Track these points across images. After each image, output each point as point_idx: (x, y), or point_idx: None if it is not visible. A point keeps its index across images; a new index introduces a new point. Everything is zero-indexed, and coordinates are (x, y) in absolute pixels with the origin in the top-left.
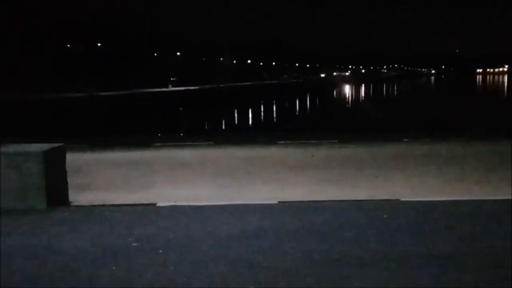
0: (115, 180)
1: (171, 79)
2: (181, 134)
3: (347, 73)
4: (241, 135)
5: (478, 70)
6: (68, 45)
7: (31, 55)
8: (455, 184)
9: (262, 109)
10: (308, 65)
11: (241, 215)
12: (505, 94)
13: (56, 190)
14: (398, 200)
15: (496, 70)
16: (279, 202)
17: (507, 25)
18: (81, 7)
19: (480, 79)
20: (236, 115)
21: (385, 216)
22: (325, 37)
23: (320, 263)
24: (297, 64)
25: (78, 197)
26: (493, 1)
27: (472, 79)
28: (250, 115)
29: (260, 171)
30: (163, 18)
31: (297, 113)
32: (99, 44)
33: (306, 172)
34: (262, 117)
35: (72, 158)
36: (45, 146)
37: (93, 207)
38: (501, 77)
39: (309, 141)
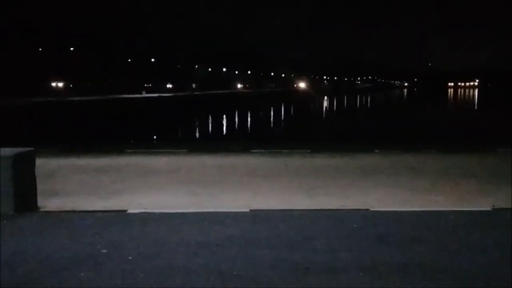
0: (85, 186)
1: (145, 85)
2: (154, 141)
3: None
4: (214, 143)
5: (449, 84)
6: (40, 49)
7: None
8: (423, 195)
9: (236, 117)
10: (283, 75)
11: (212, 223)
12: (475, 107)
13: (24, 196)
14: (368, 210)
15: (467, 84)
16: (250, 210)
17: (477, 41)
18: (53, 8)
19: (452, 92)
20: (210, 123)
21: (355, 225)
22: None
23: (290, 272)
24: (272, 74)
25: (47, 203)
26: (465, 18)
27: (444, 92)
28: (224, 123)
29: (233, 180)
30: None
31: (271, 122)
32: (71, 49)
33: (279, 181)
34: (236, 126)
35: (42, 164)
36: (15, 151)
37: (62, 213)
38: (471, 90)
39: (282, 150)
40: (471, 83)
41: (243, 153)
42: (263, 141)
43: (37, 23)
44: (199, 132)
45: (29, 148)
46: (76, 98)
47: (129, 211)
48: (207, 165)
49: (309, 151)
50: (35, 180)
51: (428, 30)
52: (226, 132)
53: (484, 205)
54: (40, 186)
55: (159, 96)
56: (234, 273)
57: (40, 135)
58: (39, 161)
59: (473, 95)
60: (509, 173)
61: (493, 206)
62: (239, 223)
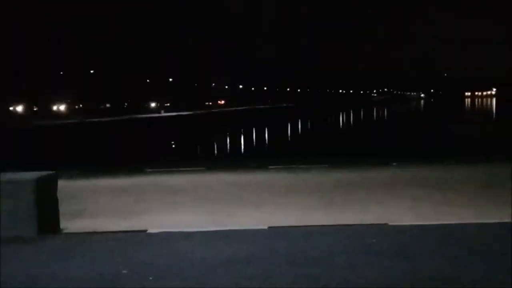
0: (106, 207)
1: (163, 104)
2: (173, 160)
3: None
4: (232, 160)
5: (466, 94)
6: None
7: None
8: (442, 208)
9: (254, 134)
10: (299, 90)
11: (231, 241)
12: (494, 118)
13: (47, 218)
14: (386, 224)
15: (484, 93)
16: (269, 227)
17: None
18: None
19: (469, 102)
20: (228, 140)
21: (374, 240)
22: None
23: None
24: (288, 89)
25: (69, 224)
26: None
27: (461, 103)
28: (242, 140)
29: (251, 196)
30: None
31: (288, 138)
32: (91, 71)
33: (297, 197)
34: (254, 142)
35: (64, 185)
36: (37, 174)
37: (83, 234)
38: (489, 99)
39: (300, 166)
40: (488, 92)
41: (260, 170)
42: (280, 156)
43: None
44: (218, 150)
45: (51, 172)
46: (94, 120)
47: (149, 230)
48: (225, 182)
49: (326, 166)
50: (57, 202)
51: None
52: (245, 149)
53: (503, 217)
54: (62, 208)
55: (178, 115)
56: None
57: (62, 157)
58: (61, 183)
59: (491, 104)
60: None
61: None
62: (258, 240)
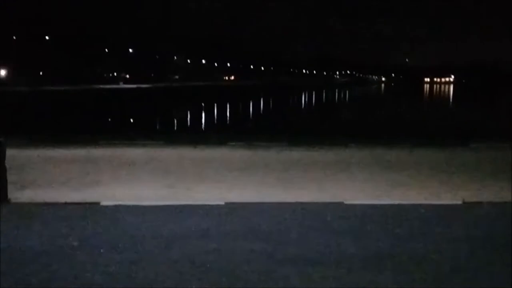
0: (58, 178)
1: (122, 76)
2: (130, 133)
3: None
4: (192, 135)
5: (426, 79)
6: (14, 37)
7: None
8: (397, 189)
9: (215, 109)
10: (262, 68)
11: (187, 215)
12: (450, 103)
13: None
14: (342, 203)
15: (443, 79)
16: (226, 203)
17: (454, 37)
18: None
19: (428, 88)
20: (188, 115)
21: (329, 218)
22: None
23: (263, 263)
24: (251, 66)
25: (18, 194)
26: (437, 14)
27: (420, 88)
28: (203, 115)
29: (209, 172)
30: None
31: (249, 115)
32: (46, 38)
33: (255, 173)
34: (214, 118)
35: (13, 155)
36: None
37: (33, 205)
38: (446, 86)
39: (260, 143)
40: (447, 79)
41: (220, 145)
42: (240, 133)
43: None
44: (177, 124)
45: None
46: (49, 88)
47: (102, 203)
48: (183, 157)
49: (286, 144)
50: (5, 171)
51: (406, 25)
52: (204, 124)
53: (454, 198)
54: (11, 178)
55: (137, 87)
56: (208, 265)
57: (12, 126)
58: (10, 152)
59: (448, 91)
60: (480, 169)
61: (464, 200)
62: (214, 215)
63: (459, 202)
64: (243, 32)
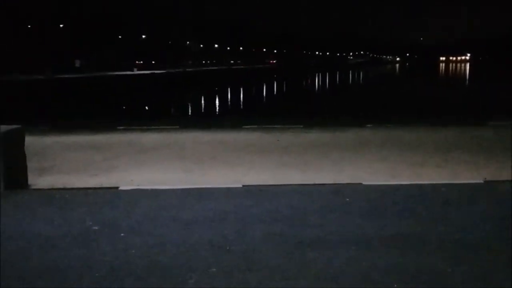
0: (77, 163)
1: (136, 62)
2: (146, 118)
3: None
4: (207, 119)
5: (441, 58)
6: (29, 26)
7: None
8: (415, 169)
9: (228, 93)
10: (275, 51)
11: (205, 198)
12: (466, 82)
13: (14, 173)
14: (360, 183)
15: (459, 58)
16: (243, 186)
17: (469, 14)
18: None
19: (443, 67)
20: (202, 99)
21: (347, 199)
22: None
23: (282, 246)
24: (264, 50)
25: (38, 180)
26: None
27: (435, 67)
28: (217, 100)
29: (225, 155)
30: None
31: (263, 98)
32: (61, 25)
33: (271, 156)
34: (228, 102)
35: (33, 141)
36: (3, 128)
37: (53, 190)
38: (462, 65)
39: (275, 126)
40: (463, 57)
41: (235, 129)
42: (255, 116)
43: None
44: (192, 109)
45: (18, 126)
46: (64, 76)
47: (121, 188)
48: (199, 141)
49: (301, 126)
50: (25, 157)
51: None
52: (219, 108)
53: (475, 178)
54: (30, 164)
55: (152, 73)
56: (227, 248)
57: (31, 113)
58: (29, 139)
59: (465, 69)
60: (500, 147)
61: (485, 178)
62: (232, 198)
63: (481, 181)
64: (252, 14)
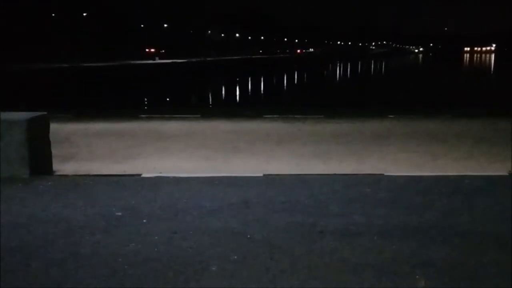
0: (100, 150)
1: (155, 51)
2: (168, 107)
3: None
4: (228, 109)
5: (465, 49)
6: (53, 14)
7: (11, 23)
8: (439, 160)
9: (249, 83)
10: (296, 40)
11: (226, 187)
12: (491, 73)
13: (39, 159)
14: (382, 174)
15: (484, 49)
16: (264, 175)
17: (494, 5)
18: None
19: (467, 57)
20: (223, 89)
21: (368, 189)
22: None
23: (303, 235)
24: (285, 39)
25: (62, 166)
26: None
27: (460, 57)
28: (238, 89)
29: (246, 144)
30: None
31: (284, 87)
32: (84, 14)
33: (292, 146)
34: (249, 91)
35: (57, 128)
36: (29, 115)
37: (77, 176)
38: (487, 55)
39: (296, 116)
40: (488, 48)
41: (256, 118)
42: (276, 106)
43: None
44: (213, 98)
45: (43, 113)
46: (85, 64)
47: (144, 175)
48: (220, 130)
49: (322, 116)
50: (49, 144)
51: None
52: (240, 98)
53: (500, 170)
54: (55, 151)
55: (173, 62)
56: (248, 236)
57: (54, 100)
58: (54, 126)
59: (490, 60)
60: None
61: (510, 171)
62: (253, 187)
63: (505, 173)
64: (274, 5)
